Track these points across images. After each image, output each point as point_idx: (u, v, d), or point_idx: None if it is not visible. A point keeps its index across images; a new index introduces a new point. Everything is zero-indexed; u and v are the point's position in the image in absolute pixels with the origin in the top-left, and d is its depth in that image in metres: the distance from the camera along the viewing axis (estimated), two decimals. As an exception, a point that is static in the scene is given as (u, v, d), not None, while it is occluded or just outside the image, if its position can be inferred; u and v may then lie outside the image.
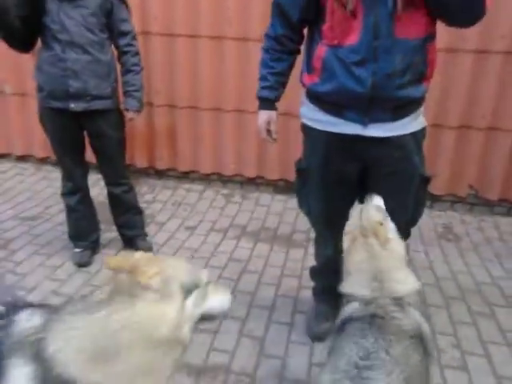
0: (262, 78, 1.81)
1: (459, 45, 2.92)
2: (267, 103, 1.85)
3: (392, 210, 1.50)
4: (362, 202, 1.56)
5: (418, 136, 1.70)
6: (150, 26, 3.26)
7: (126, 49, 2.31)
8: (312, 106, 1.72)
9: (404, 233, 1.56)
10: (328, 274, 1.90)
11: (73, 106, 2.19)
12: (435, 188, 3.24)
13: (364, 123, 1.61)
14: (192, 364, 1.83)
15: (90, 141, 2.39)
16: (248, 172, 3.49)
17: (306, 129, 1.80)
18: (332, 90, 1.59)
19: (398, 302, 1.17)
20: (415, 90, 1.61)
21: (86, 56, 2.17)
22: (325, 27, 1.56)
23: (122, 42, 2.29)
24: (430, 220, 3.22)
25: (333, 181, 1.75)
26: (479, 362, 1.93)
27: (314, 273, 2.13)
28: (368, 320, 1.13)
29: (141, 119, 3.26)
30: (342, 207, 1.59)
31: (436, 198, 3.34)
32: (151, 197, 3.39)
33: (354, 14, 1.48)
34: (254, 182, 3.54)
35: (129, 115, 2.40)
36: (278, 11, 1.68)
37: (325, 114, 1.68)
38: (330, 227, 1.82)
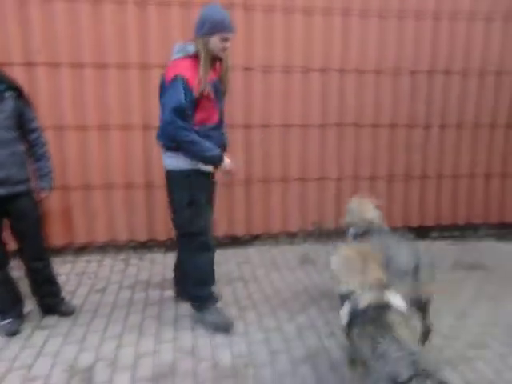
0: (209, 147, 2.62)
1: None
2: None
3: None
4: None
5: None
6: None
7: (35, 142, 2.81)
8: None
9: None
10: (210, 281, 2.85)
11: (1, 190, 2.59)
12: (293, 228, 4.30)
13: None
14: None
15: (13, 223, 2.74)
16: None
17: (194, 173, 2.66)
18: None
19: None
20: None
21: (6, 150, 2.62)
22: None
23: (32, 136, 2.80)
24: (291, 252, 4.20)
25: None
26: None
27: (198, 288, 2.82)
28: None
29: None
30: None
31: (293, 235, 4.37)
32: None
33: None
34: (146, 245, 4.10)
35: (42, 195, 2.85)
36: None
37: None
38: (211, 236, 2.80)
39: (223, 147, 2.82)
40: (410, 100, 4.34)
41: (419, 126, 4.40)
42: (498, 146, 4.58)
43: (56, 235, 3.91)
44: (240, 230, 4.27)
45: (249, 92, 4.05)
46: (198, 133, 2.58)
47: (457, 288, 3.41)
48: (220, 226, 4.14)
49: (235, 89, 3.83)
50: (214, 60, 2.62)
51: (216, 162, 2.67)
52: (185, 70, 2.52)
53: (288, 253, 4.20)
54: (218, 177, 2.95)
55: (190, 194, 2.66)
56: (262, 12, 3.95)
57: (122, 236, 4.05)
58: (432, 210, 4.59)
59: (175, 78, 2.50)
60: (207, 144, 2.59)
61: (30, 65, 3.65)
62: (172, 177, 2.72)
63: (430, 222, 4.61)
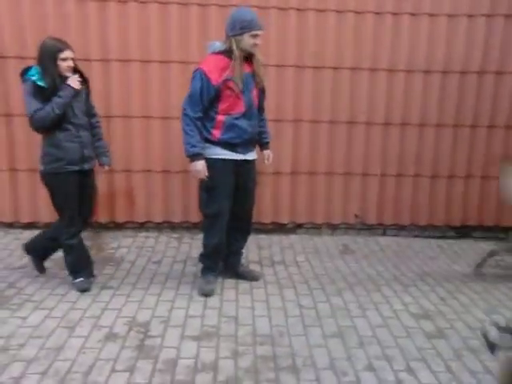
0: (193, 144, 2.94)
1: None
2: (200, 156, 3.00)
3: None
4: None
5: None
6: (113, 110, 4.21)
7: (97, 124, 3.26)
8: (218, 147, 3.03)
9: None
10: (215, 256, 3.24)
11: (87, 165, 3.06)
12: (334, 218, 4.53)
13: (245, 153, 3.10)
14: None
15: (84, 191, 3.17)
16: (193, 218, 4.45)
17: (214, 161, 3.02)
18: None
19: None
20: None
21: (87, 132, 3.10)
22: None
23: (94, 120, 3.24)
24: (333, 242, 4.43)
25: (228, 187, 3.09)
26: (374, 315, 3.02)
27: (204, 257, 3.29)
28: None
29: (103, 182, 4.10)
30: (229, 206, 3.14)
31: (335, 227, 4.60)
32: (116, 244, 4.13)
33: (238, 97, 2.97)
34: (198, 227, 4.49)
35: (106, 168, 3.32)
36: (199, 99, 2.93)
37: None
38: (222, 221, 3.12)
39: (251, 140, 3.13)
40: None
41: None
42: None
43: (120, 212, 4.39)
44: (285, 218, 4.55)
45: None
46: (223, 121, 2.97)
47: (493, 287, 3.51)
48: (267, 214, 4.45)
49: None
50: (247, 56, 2.96)
51: (188, 157, 2.99)
52: (206, 64, 2.93)
53: (329, 242, 4.43)
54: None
55: (209, 180, 3.03)
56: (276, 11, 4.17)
57: (177, 217, 4.45)
58: (474, 209, 4.63)
59: (196, 71, 2.94)
60: (192, 139, 2.93)
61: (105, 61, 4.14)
62: None
63: (472, 222, 4.66)
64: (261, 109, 3.25)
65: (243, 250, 3.53)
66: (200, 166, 2.99)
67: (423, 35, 4.28)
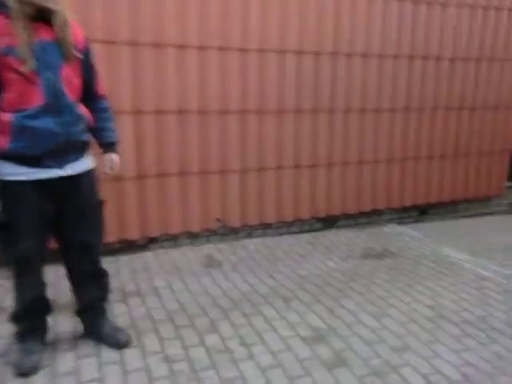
0: None
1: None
2: None
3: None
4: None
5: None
6: None
7: None
8: (8, 163, 1.96)
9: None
10: (33, 315, 2.23)
11: None
12: (195, 227, 3.83)
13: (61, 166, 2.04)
14: None
15: None
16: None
17: (4, 184, 1.98)
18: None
19: None
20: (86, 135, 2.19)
21: None
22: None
23: None
24: (194, 254, 3.73)
25: (35, 220, 2.04)
26: (261, 349, 2.44)
27: (18, 317, 2.23)
28: None
29: None
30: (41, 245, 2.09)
31: (195, 236, 3.90)
32: None
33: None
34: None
35: None
36: None
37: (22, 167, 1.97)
38: (33, 268, 2.14)
39: (67, 146, 2.03)
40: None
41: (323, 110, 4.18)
42: (397, 131, 4.56)
43: None
44: (134, 233, 3.68)
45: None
46: (10, 122, 1.89)
47: (372, 282, 3.26)
48: (111, 230, 3.52)
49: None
50: (41, 13, 1.88)
51: None
52: None
53: (190, 255, 3.73)
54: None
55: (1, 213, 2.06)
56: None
57: None
58: (338, 198, 4.43)
59: None
60: None
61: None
62: None
63: (336, 212, 4.46)
64: (94, 94, 2.25)
65: (105, 303, 2.49)
66: None
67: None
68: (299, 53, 3.95)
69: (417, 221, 4.88)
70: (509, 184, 5.36)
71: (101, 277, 2.40)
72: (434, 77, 4.57)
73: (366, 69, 4.25)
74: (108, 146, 2.38)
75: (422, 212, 4.93)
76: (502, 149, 5.17)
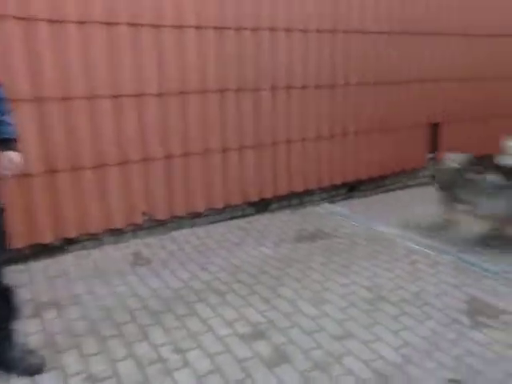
0: None
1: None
2: None
3: None
4: None
5: None
6: None
7: None
8: None
9: None
10: None
11: None
12: (119, 223, 3.51)
13: None
14: None
15: None
16: None
17: None
18: None
19: None
20: None
21: None
22: None
23: None
24: (119, 253, 3.44)
25: None
26: (197, 354, 2.26)
27: None
28: None
29: None
30: None
31: (119, 233, 3.58)
32: None
33: None
34: None
35: None
36: None
37: None
38: None
39: None
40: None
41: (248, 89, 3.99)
42: (324, 110, 4.48)
43: None
44: (47, 235, 3.29)
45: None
46: None
47: (308, 267, 3.18)
48: (19, 235, 3.12)
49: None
50: None
51: None
52: None
53: (115, 255, 3.43)
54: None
55: None
56: None
57: None
58: (269, 180, 4.30)
59: None
60: None
61: None
62: None
63: (268, 195, 4.33)
64: None
65: (11, 324, 2.11)
66: None
67: None
68: (219, 29, 3.70)
69: (346, 197, 4.90)
70: (430, 155, 5.54)
71: (3, 294, 2.06)
72: (361, 52, 4.52)
73: (290, 44, 4.10)
74: (5, 143, 2.02)
75: (350, 188, 4.95)
76: (426, 122, 5.30)
